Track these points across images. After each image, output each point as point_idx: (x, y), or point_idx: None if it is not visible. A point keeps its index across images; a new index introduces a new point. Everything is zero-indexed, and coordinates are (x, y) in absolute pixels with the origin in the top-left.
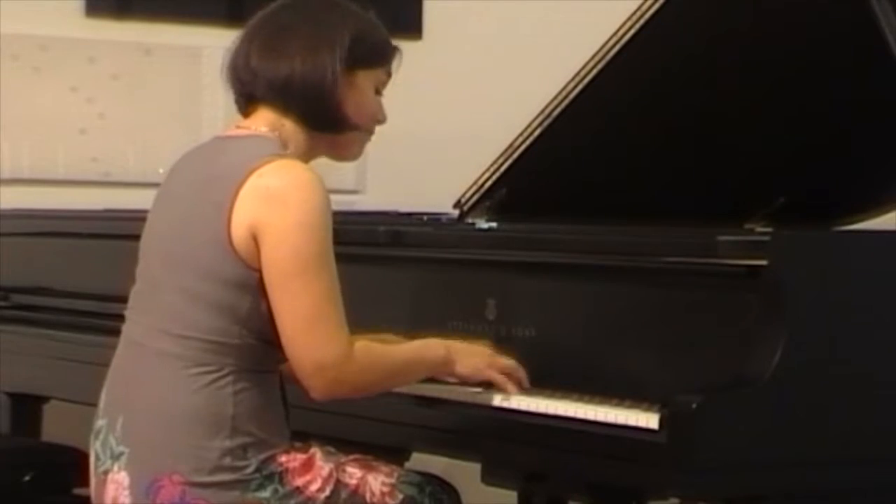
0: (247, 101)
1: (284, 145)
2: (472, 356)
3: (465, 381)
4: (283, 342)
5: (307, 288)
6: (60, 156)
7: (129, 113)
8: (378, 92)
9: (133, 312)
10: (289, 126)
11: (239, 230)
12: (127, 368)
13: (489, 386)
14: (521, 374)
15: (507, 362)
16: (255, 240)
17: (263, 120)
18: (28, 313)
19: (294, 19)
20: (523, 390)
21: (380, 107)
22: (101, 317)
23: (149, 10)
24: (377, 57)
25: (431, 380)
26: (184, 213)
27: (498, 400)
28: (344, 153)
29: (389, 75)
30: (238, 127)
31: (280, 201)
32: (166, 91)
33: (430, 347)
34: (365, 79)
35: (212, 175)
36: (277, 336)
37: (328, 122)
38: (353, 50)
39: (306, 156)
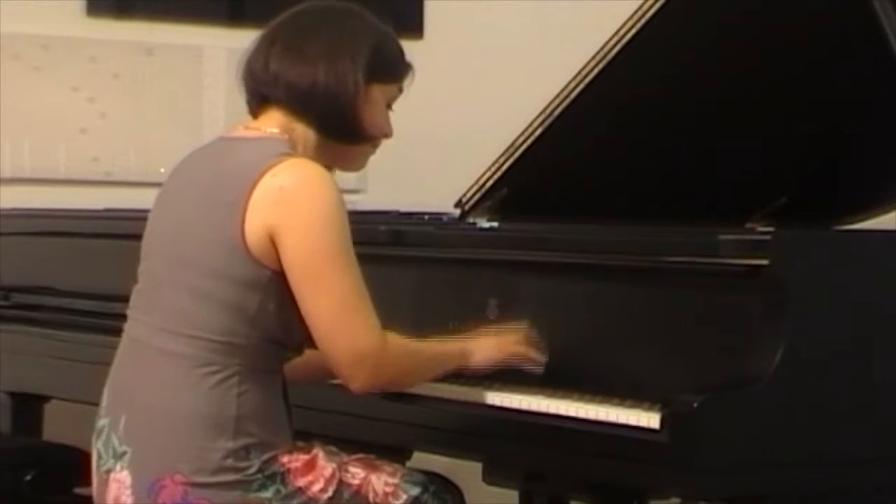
0: (258, 103)
1: (294, 147)
2: (482, 347)
3: (481, 372)
4: (318, 338)
5: (334, 281)
6: (61, 155)
7: (131, 112)
8: (388, 106)
9: (136, 312)
10: (300, 130)
11: (254, 230)
12: (129, 368)
13: (503, 382)
14: (532, 347)
15: (517, 342)
16: (271, 240)
17: (274, 121)
18: (29, 313)
19: (317, 25)
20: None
21: (388, 121)
22: (102, 316)
23: (150, 9)
24: (394, 72)
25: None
26: (191, 213)
27: (499, 399)
28: (349, 164)
29: (401, 91)
30: (247, 128)
31: (294, 200)
32: (167, 90)
33: (450, 344)
34: (380, 93)
35: (221, 175)
36: (284, 337)
37: (344, 131)
38: (373, 63)
39: (314, 160)
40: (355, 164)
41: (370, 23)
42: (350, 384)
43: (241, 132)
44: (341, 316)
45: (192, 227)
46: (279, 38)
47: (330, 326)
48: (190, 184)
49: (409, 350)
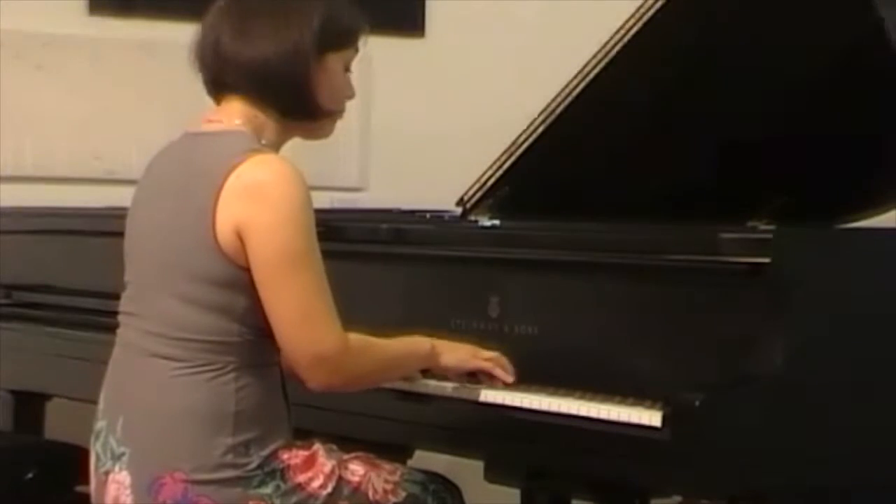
0: (217, 89)
1: (258, 137)
2: (456, 350)
3: (450, 374)
4: (278, 337)
5: (297, 282)
6: (63, 153)
7: (132, 111)
8: (347, 69)
9: (127, 318)
10: (262, 117)
11: (224, 231)
12: (124, 370)
13: (480, 380)
14: (505, 362)
15: (491, 354)
16: (240, 238)
17: (235, 112)
18: (30, 311)
19: (263, 3)
20: (512, 381)
21: (349, 84)
22: (103, 314)
23: (151, 7)
24: (346, 39)
25: (422, 373)
26: (168, 218)
27: (501, 397)
28: (317, 135)
29: (357, 51)
30: (210, 121)
31: (261, 198)
32: (169, 89)
33: (417, 343)
34: (335, 61)
35: (190, 175)
36: None
37: (303, 110)
38: (323, 34)
39: (280, 143)
40: (324, 133)
41: None
42: (307, 383)
43: (204, 126)
44: (302, 318)
45: (170, 232)
46: (226, 21)
47: (290, 327)
48: (162, 186)
49: (371, 351)
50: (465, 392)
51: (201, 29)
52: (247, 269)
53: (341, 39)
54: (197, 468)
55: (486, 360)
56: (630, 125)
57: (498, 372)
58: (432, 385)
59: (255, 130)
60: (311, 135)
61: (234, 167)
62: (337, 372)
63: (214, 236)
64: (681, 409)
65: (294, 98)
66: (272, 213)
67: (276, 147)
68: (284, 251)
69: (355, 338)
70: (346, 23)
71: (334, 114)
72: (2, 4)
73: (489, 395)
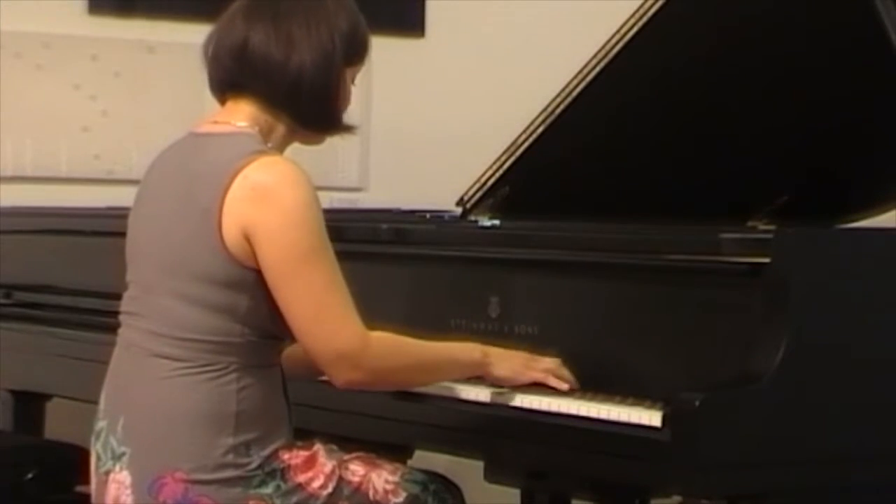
0: (228, 88)
1: (264, 139)
2: (511, 359)
3: (502, 385)
4: (297, 336)
5: (309, 281)
6: (63, 153)
7: (132, 111)
8: (352, 82)
9: (129, 318)
10: (272, 120)
11: (230, 232)
12: (125, 370)
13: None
14: (564, 372)
15: (547, 363)
16: (248, 240)
17: (243, 113)
18: (31, 311)
19: (294, 9)
20: (568, 389)
21: (350, 96)
22: (103, 314)
23: (151, 7)
24: (363, 53)
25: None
26: (171, 218)
27: (501, 398)
28: (316, 142)
29: (363, 64)
30: (216, 122)
31: (268, 201)
32: (169, 89)
33: (465, 349)
34: (350, 74)
35: (194, 176)
36: (279, 330)
37: (322, 121)
38: (349, 48)
39: (284, 147)
40: (321, 141)
41: (341, 5)
42: (333, 381)
43: (210, 127)
44: (317, 316)
45: (173, 232)
46: (257, 23)
47: (306, 325)
48: (165, 186)
49: (399, 349)
50: (466, 392)
51: (223, 27)
52: (252, 270)
53: (360, 53)
54: (197, 468)
55: (542, 370)
56: (630, 125)
57: (552, 382)
58: (433, 385)
59: (261, 133)
60: (311, 142)
61: (240, 168)
62: (359, 368)
63: (220, 237)
64: (681, 409)
65: (319, 108)
66: (279, 217)
67: (279, 150)
68: (293, 251)
69: (381, 335)
70: (365, 37)
71: (344, 128)
72: (2, 4)
73: (489, 395)
